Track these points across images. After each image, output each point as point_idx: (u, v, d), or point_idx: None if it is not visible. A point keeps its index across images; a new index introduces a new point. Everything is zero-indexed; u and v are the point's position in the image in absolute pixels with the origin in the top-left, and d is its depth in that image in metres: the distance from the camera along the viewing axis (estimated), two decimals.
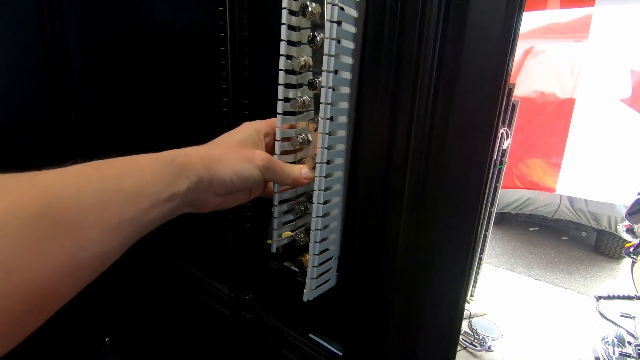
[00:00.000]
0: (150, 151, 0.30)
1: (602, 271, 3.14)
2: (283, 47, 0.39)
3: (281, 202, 0.44)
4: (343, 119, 0.42)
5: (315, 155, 0.40)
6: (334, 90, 0.38)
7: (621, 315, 1.90)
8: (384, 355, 0.50)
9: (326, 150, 0.39)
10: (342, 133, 0.42)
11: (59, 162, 0.25)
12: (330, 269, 0.48)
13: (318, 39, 0.38)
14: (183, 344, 0.95)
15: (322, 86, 0.37)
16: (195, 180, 0.31)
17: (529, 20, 2.87)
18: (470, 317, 2.24)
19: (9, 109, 0.95)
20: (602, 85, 2.57)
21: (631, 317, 1.88)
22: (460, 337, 2.08)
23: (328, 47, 0.36)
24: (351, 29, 0.39)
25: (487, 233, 2.27)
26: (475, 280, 2.38)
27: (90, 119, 1.01)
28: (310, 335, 0.60)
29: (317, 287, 0.45)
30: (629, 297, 1.89)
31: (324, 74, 0.37)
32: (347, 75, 0.40)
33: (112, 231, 0.24)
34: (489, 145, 0.36)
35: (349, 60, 0.40)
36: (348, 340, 0.56)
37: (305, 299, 0.44)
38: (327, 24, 0.35)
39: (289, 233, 0.47)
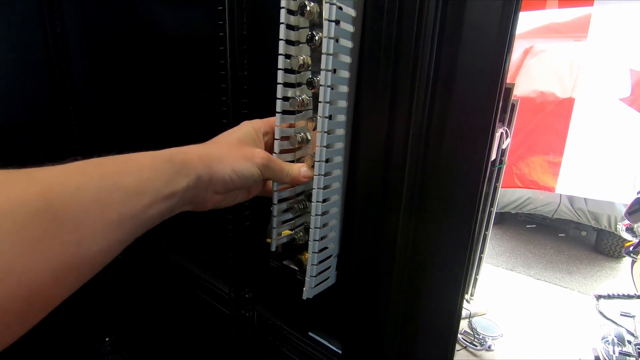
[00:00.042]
0: (151, 150, 0.30)
1: (602, 270, 3.14)
2: (282, 47, 0.39)
3: (280, 200, 0.44)
4: (342, 117, 0.42)
5: (314, 153, 0.40)
6: (332, 89, 0.38)
7: (621, 315, 1.90)
8: (383, 353, 0.51)
9: (325, 148, 0.39)
10: (340, 132, 0.43)
11: (59, 162, 0.25)
12: (329, 267, 0.48)
13: (316, 38, 0.38)
14: (183, 343, 0.95)
15: (320, 85, 0.37)
16: (194, 178, 0.31)
17: (529, 20, 2.87)
18: (470, 316, 2.24)
19: (9, 109, 0.95)
20: (602, 85, 2.57)
21: (631, 316, 1.88)
22: (461, 336, 2.09)
23: (326, 46, 0.36)
24: (349, 28, 0.39)
25: (487, 232, 2.27)
26: (475, 279, 2.38)
27: (90, 118, 1.01)
28: (310, 333, 0.61)
29: (316, 285, 0.45)
30: (629, 296, 1.89)
31: (323, 72, 0.37)
32: (345, 74, 0.40)
33: (112, 227, 0.24)
34: (486, 144, 0.36)
35: (347, 59, 0.40)
36: (347, 338, 0.56)
37: (304, 296, 0.44)
38: (325, 23, 0.35)
39: (288, 232, 0.47)
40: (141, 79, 0.82)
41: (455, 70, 0.36)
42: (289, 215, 0.46)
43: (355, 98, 0.44)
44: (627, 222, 1.90)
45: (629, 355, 1.71)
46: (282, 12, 0.38)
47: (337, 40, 0.37)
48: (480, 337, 2.08)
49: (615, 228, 2.99)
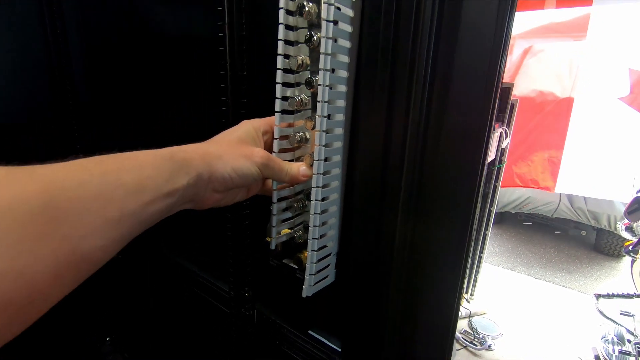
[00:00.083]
0: (151, 149, 0.31)
1: (602, 270, 3.15)
2: (280, 47, 0.39)
3: (280, 199, 0.44)
4: (340, 116, 0.42)
5: (313, 152, 0.40)
6: (330, 88, 0.38)
7: (621, 314, 1.90)
8: (383, 351, 0.51)
9: (324, 147, 0.40)
10: (339, 131, 0.43)
11: (60, 161, 0.25)
12: (328, 265, 0.48)
13: (315, 38, 0.39)
14: (184, 342, 0.96)
15: (319, 85, 0.38)
16: (194, 176, 0.31)
17: (528, 20, 2.88)
18: (470, 316, 2.24)
19: (10, 109, 0.95)
20: (601, 84, 2.58)
21: (631, 315, 1.88)
22: (461, 335, 2.09)
23: (325, 46, 0.36)
24: (347, 28, 0.39)
25: (486, 232, 2.27)
26: (475, 279, 2.38)
27: (91, 118, 1.01)
28: (310, 331, 0.61)
29: (316, 283, 0.46)
30: (629, 296, 1.89)
31: (321, 72, 0.37)
32: (343, 73, 0.41)
33: (113, 224, 0.24)
34: (482, 144, 0.36)
35: (345, 59, 0.40)
36: (347, 336, 0.56)
37: (304, 294, 0.45)
38: (323, 24, 0.36)
39: (287, 230, 0.48)
40: (141, 79, 0.83)
41: (452, 70, 0.37)
42: (289, 214, 0.47)
43: (353, 98, 0.44)
44: (626, 221, 1.90)
45: (629, 354, 1.71)
46: (281, 12, 0.38)
47: (335, 41, 0.37)
48: (480, 336, 2.08)
49: (615, 227, 3.00)
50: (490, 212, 2.21)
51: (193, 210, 0.36)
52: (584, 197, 3.10)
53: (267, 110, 0.43)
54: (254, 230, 0.66)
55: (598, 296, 1.98)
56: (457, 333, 2.11)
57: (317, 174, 0.40)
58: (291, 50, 0.41)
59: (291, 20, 0.40)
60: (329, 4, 0.35)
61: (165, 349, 1.06)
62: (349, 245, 0.50)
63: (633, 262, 2.00)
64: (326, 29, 0.36)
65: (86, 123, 1.02)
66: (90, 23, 0.93)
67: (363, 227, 0.48)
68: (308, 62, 0.41)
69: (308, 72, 0.42)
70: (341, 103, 0.42)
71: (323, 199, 0.42)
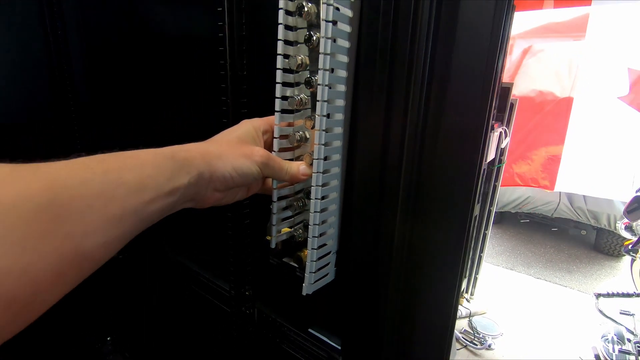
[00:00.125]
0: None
1: (602, 269, 3.15)
2: (280, 47, 0.40)
3: (280, 198, 0.44)
4: (339, 116, 0.43)
5: (312, 152, 0.41)
6: (330, 88, 0.39)
7: (620, 313, 1.90)
8: (382, 349, 0.51)
9: (323, 146, 0.40)
10: (338, 130, 0.43)
11: (62, 159, 0.25)
12: (328, 263, 0.48)
13: (314, 38, 0.39)
14: (184, 341, 0.96)
15: (318, 84, 0.38)
16: (195, 175, 0.32)
17: (527, 20, 2.88)
18: (470, 315, 2.24)
19: (10, 109, 0.96)
20: (600, 84, 2.58)
21: (631, 315, 1.88)
22: (461, 335, 2.09)
23: (324, 46, 0.37)
24: (346, 28, 0.39)
25: (486, 232, 2.28)
26: (475, 279, 2.38)
27: (91, 118, 1.02)
28: (310, 330, 0.61)
29: (315, 281, 0.46)
30: (629, 295, 1.89)
31: (321, 72, 0.38)
32: (342, 73, 0.41)
33: (115, 222, 0.24)
34: (480, 143, 0.37)
35: (344, 58, 0.41)
36: (347, 334, 0.57)
37: (304, 292, 0.45)
38: (323, 24, 0.36)
39: (287, 229, 0.48)
40: (142, 79, 0.83)
41: (449, 70, 0.37)
42: (289, 213, 0.47)
43: (352, 97, 0.44)
44: (626, 220, 1.90)
45: (629, 353, 1.71)
46: (281, 13, 0.39)
47: (334, 40, 0.38)
48: (481, 336, 2.09)
49: (615, 227, 3.00)
50: (490, 211, 2.21)
51: (193, 209, 0.36)
52: (584, 197, 3.10)
53: (267, 109, 0.44)
54: (254, 229, 0.66)
55: (598, 295, 1.99)
56: (457, 332, 2.11)
57: (317, 172, 0.40)
58: (291, 50, 0.41)
59: (291, 21, 0.40)
60: (328, 5, 0.35)
61: (166, 348, 1.06)
62: (348, 244, 0.51)
63: (633, 261, 2.01)
64: (325, 29, 0.36)
65: (86, 123, 1.02)
66: (91, 23, 0.93)
67: (362, 226, 0.48)
68: (307, 62, 0.42)
69: (307, 72, 0.42)
70: (340, 102, 0.42)
71: (323, 198, 0.42)
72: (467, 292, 2.40)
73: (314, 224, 0.42)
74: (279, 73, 0.41)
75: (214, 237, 0.77)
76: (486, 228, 2.26)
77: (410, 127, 0.40)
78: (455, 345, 2.04)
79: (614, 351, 1.74)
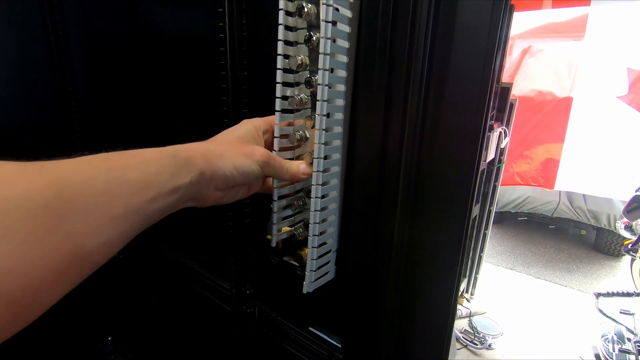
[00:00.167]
0: None
1: (602, 269, 3.15)
2: (280, 47, 0.40)
3: (280, 197, 0.45)
4: (339, 115, 0.43)
5: (312, 151, 0.41)
6: (330, 87, 0.39)
7: (621, 312, 1.90)
8: (382, 346, 0.52)
9: (323, 145, 0.40)
10: (338, 129, 0.44)
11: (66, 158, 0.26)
12: (328, 261, 0.49)
13: (314, 38, 0.40)
14: (185, 340, 0.96)
15: (318, 84, 0.38)
16: (197, 174, 0.32)
17: (526, 20, 2.89)
18: (470, 315, 2.25)
19: (12, 111, 0.96)
20: (600, 83, 2.59)
21: (631, 314, 1.88)
22: (461, 335, 2.09)
23: (324, 46, 0.37)
24: (346, 28, 0.40)
25: (486, 231, 2.28)
26: (476, 279, 2.39)
27: (92, 119, 1.02)
28: (310, 328, 0.62)
29: (316, 280, 0.46)
30: (628, 294, 1.89)
31: (320, 72, 0.38)
32: (342, 73, 0.41)
33: (118, 219, 0.25)
34: (477, 143, 0.37)
35: (344, 58, 0.41)
36: (347, 333, 0.57)
37: (305, 290, 0.45)
38: (322, 24, 0.37)
39: (287, 228, 0.48)
40: (143, 80, 0.83)
41: (447, 70, 0.37)
42: (289, 212, 0.47)
43: (352, 97, 0.45)
44: (625, 220, 1.90)
45: (629, 352, 1.71)
46: (281, 13, 0.39)
47: (334, 41, 0.38)
48: (481, 335, 2.09)
49: (615, 226, 3.00)
50: (490, 211, 2.22)
51: (195, 209, 0.36)
52: (584, 196, 3.11)
53: (267, 109, 0.44)
54: (254, 228, 0.66)
55: (598, 295, 1.99)
56: (457, 332, 2.11)
57: (317, 171, 0.41)
58: (291, 50, 0.42)
59: (291, 21, 0.41)
60: (328, 5, 0.36)
61: (167, 348, 1.06)
62: (348, 242, 0.51)
63: (633, 260, 2.01)
64: (325, 29, 0.36)
65: (88, 123, 1.03)
66: (92, 24, 0.94)
67: (362, 225, 0.49)
68: (307, 62, 0.42)
69: (307, 72, 0.43)
70: (340, 102, 0.43)
71: (323, 197, 0.43)
72: (467, 292, 2.40)
73: (314, 223, 0.43)
74: (279, 73, 0.41)
75: (215, 237, 0.77)
76: (486, 228, 2.27)
77: (409, 126, 0.40)
78: (455, 345, 2.04)
79: (614, 350, 1.74)
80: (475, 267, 2.34)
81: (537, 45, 2.89)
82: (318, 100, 0.39)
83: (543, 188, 2.90)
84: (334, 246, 0.50)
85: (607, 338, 1.83)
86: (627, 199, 1.82)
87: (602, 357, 1.78)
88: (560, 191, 3.17)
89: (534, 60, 2.87)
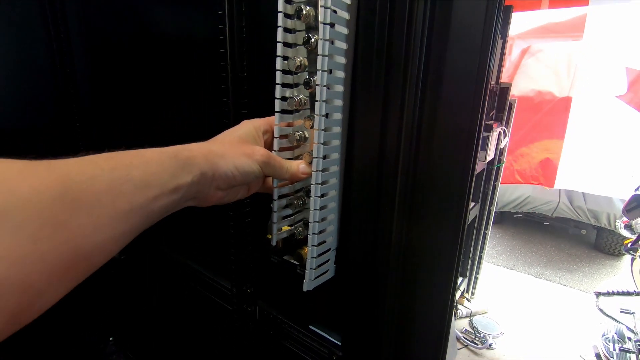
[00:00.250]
0: None
1: (603, 268, 3.15)
2: (279, 49, 0.41)
3: (280, 196, 0.45)
4: (338, 115, 0.44)
5: (312, 151, 0.42)
6: (328, 88, 0.40)
7: (621, 312, 1.90)
8: (382, 344, 0.52)
9: (322, 145, 0.41)
10: (337, 129, 0.44)
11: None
12: (328, 260, 0.49)
13: (312, 40, 0.40)
14: (187, 339, 0.97)
15: (317, 85, 0.39)
16: (198, 174, 0.33)
17: (526, 20, 2.90)
18: (471, 315, 2.25)
19: (13, 111, 0.97)
20: (599, 83, 2.60)
21: (631, 313, 1.88)
22: (462, 335, 2.09)
23: (322, 48, 0.38)
24: (343, 30, 0.41)
25: (486, 231, 2.28)
26: (476, 279, 2.39)
27: (93, 120, 1.03)
28: (311, 326, 0.62)
29: (316, 278, 0.47)
30: (629, 293, 1.89)
31: (319, 73, 0.39)
32: (340, 74, 0.42)
33: (122, 217, 0.26)
34: (473, 142, 0.38)
35: (342, 60, 0.42)
36: (347, 330, 0.57)
37: (305, 289, 0.46)
38: (320, 26, 0.37)
39: (287, 227, 0.49)
40: (144, 80, 0.84)
41: (443, 70, 0.38)
42: (289, 211, 0.48)
43: (350, 97, 0.45)
44: (625, 219, 1.90)
45: (629, 351, 1.71)
46: (280, 16, 0.40)
47: (332, 42, 0.39)
48: (481, 335, 2.09)
49: (615, 226, 3.00)
50: (490, 211, 2.22)
51: (195, 209, 0.37)
52: (584, 196, 3.11)
53: (267, 110, 0.45)
54: (255, 228, 0.67)
55: (598, 294, 1.99)
56: (458, 332, 2.12)
57: (316, 170, 0.41)
58: (290, 52, 0.42)
59: (289, 24, 0.41)
60: (326, 7, 0.37)
61: (168, 347, 1.07)
62: (347, 241, 0.52)
63: (633, 260, 2.01)
64: (323, 31, 0.37)
65: (88, 124, 1.03)
66: (93, 25, 0.94)
67: (361, 223, 0.49)
68: (306, 63, 0.43)
69: (306, 73, 0.43)
70: (339, 102, 0.44)
71: (322, 196, 0.43)
72: (467, 291, 2.40)
73: (314, 221, 0.43)
74: (278, 74, 0.42)
75: (216, 236, 0.78)
76: (486, 228, 2.27)
77: (406, 125, 0.41)
78: (456, 345, 2.04)
79: (614, 350, 1.74)
80: (476, 267, 2.34)
81: (537, 45, 2.89)
82: (317, 101, 0.40)
83: (543, 186, 2.91)
84: (333, 245, 0.50)
85: (608, 337, 1.83)
86: (626, 197, 1.82)
87: (602, 357, 1.78)
88: (560, 191, 3.17)
89: (533, 60, 2.88)
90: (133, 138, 0.93)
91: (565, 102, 2.70)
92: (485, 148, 1.82)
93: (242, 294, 0.71)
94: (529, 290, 2.72)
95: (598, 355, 1.82)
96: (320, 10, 0.37)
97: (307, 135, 0.45)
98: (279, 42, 0.40)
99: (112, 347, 1.26)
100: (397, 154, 0.43)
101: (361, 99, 0.44)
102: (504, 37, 1.80)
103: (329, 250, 0.49)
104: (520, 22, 2.91)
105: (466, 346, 2.06)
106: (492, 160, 2.08)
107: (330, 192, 0.47)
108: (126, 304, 1.19)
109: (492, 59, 0.35)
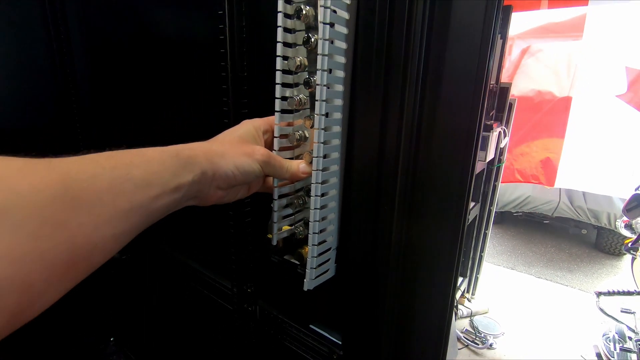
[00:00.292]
0: None
1: (603, 268, 3.15)
2: (279, 49, 0.41)
3: (280, 196, 0.46)
4: (337, 115, 0.44)
5: (312, 150, 0.42)
6: (328, 88, 0.40)
7: (621, 311, 1.90)
8: (382, 343, 0.52)
9: (322, 144, 0.41)
10: (337, 129, 0.44)
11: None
12: (329, 259, 0.49)
13: (312, 40, 0.40)
14: (187, 339, 0.97)
15: (317, 84, 0.39)
16: (199, 173, 0.33)
17: (526, 21, 2.90)
18: (471, 315, 2.25)
19: (13, 111, 0.97)
20: (599, 83, 2.60)
21: (631, 313, 1.88)
22: (462, 335, 2.09)
23: (322, 48, 0.38)
24: (343, 30, 0.41)
25: (487, 231, 2.28)
26: (476, 278, 2.39)
27: (93, 120, 1.03)
28: (311, 325, 0.62)
29: (316, 277, 0.47)
30: (629, 293, 1.89)
31: (319, 72, 0.39)
32: (340, 73, 0.42)
33: (123, 216, 0.26)
34: (472, 141, 0.38)
35: (341, 59, 0.42)
36: (347, 330, 0.58)
37: (305, 288, 0.46)
38: (320, 26, 0.37)
39: (288, 227, 0.49)
40: (144, 80, 0.84)
41: (442, 70, 0.38)
42: (289, 211, 0.48)
43: (350, 97, 0.46)
44: (625, 218, 1.90)
45: (630, 351, 1.71)
46: (279, 16, 0.40)
47: (332, 42, 0.39)
48: (482, 335, 2.09)
49: (615, 225, 3.00)
50: (490, 211, 2.22)
51: (195, 209, 0.37)
52: (584, 196, 3.11)
53: (267, 110, 0.45)
54: (255, 228, 0.67)
55: (599, 294, 1.99)
56: (458, 332, 2.12)
57: (317, 170, 0.42)
58: (290, 52, 0.42)
59: (289, 24, 0.41)
60: (326, 7, 0.37)
61: (169, 347, 1.07)
62: (348, 241, 0.52)
63: (633, 259, 2.01)
64: (323, 31, 0.37)
65: (89, 124, 1.04)
66: (93, 25, 0.95)
67: (361, 223, 0.50)
68: (306, 63, 0.43)
69: (306, 73, 0.43)
70: (338, 102, 0.44)
71: (322, 195, 0.44)
72: (468, 291, 2.40)
73: (314, 221, 0.44)
74: (278, 74, 0.42)
75: (216, 236, 0.78)
76: (486, 228, 2.27)
77: (406, 125, 0.41)
78: (456, 345, 2.04)
79: (615, 349, 1.74)
80: (476, 267, 2.34)
81: (536, 45, 2.90)
82: (317, 100, 0.40)
83: (543, 186, 2.91)
84: (333, 244, 0.50)
85: (609, 337, 1.83)
86: (627, 196, 1.82)
87: (603, 356, 1.78)
88: (560, 190, 3.17)
89: (533, 60, 2.88)
90: (133, 138, 0.93)
91: (565, 101, 2.70)
92: (485, 148, 1.82)
93: (242, 294, 0.71)
94: (529, 290, 2.72)
95: (599, 355, 1.82)
96: (320, 10, 0.37)
97: (307, 135, 0.45)
98: (279, 42, 0.41)
99: (113, 347, 1.26)
100: (396, 154, 0.43)
101: (361, 98, 0.45)
102: (504, 37, 1.80)
103: (329, 249, 0.49)
104: (520, 22, 2.91)
105: (467, 346, 2.06)
106: (492, 160, 2.08)
107: (331, 192, 0.47)
108: (126, 304, 1.19)
109: (491, 59, 0.35)
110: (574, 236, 3.72)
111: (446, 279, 0.46)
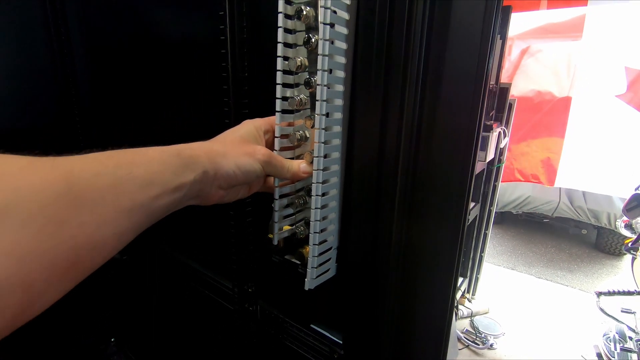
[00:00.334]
0: None
1: (603, 268, 3.15)
2: (280, 49, 0.41)
3: (281, 196, 0.46)
4: (338, 115, 0.44)
5: (312, 150, 0.42)
6: (328, 88, 0.40)
7: (622, 311, 1.90)
8: (382, 342, 0.52)
9: (323, 144, 0.41)
10: (337, 129, 0.45)
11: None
12: (329, 259, 0.50)
13: (313, 40, 0.41)
14: (188, 339, 0.97)
15: (317, 84, 0.39)
16: (200, 173, 0.33)
17: (525, 21, 2.90)
18: (472, 315, 2.25)
19: (13, 111, 0.97)
20: (598, 83, 2.60)
21: (632, 313, 1.88)
22: (463, 335, 2.09)
23: (322, 48, 0.38)
24: (343, 30, 0.41)
25: (487, 231, 2.28)
26: (477, 279, 2.39)
27: (94, 120, 1.03)
28: (312, 325, 0.62)
29: (317, 277, 0.47)
30: (630, 293, 1.89)
31: (319, 73, 0.39)
32: (340, 74, 0.42)
33: (125, 214, 0.26)
34: (472, 141, 0.38)
35: (342, 59, 0.42)
36: (348, 329, 0.58)
37: (306, 287, 0.46)
38: (321, 26, 0.38)
39: (288, 227, 0.49)
40: (145, 81, 0.84)
41: (442, 70, 0.38)
42: (290, 211, 0.48)
43: (350, 97, 0.46)
44: (625, 218, 1.90)
45: (630, 351, 1.71)
46: (280, 16, 0.40)
47: (332, 42, 0.39)
48: (482, 335, 2.09)
49: (615, 225, 3.00)
50: (490, 211, 2.22)
51: (196, 209, 0.37)
52: (584, 196, 3.11)
53: (267, 110, 0.45)
54: (256, 227, 0.67)
55: (599, 294, 1.99)
56: (459, 333, 2.12)
57: (317, 170, 0.42)
58: (290, 52, 0.43)
59: (290, 24, 0.41)
60: (326, 8, 0.37)
61: (170, 347, 1.07)
62: (348, 240, 0.52)
63: (633, 259, 2.01)
64: (323, 31, 0.37)
65: (89, 124, 1.04)
66: (93, 25, 0.95)
67: (362, 223, 0.50)
68: (306, 63, 0.43)
69: (307, 73, 0.44)
70: (339, 102, 0.44)
71: (323, 194, 0.44)
72: (468, 292, 2.40)
73: (315, 220, 0.44)
74: (279, 74, 0.42)
75: (217, 236, 0.78)
76: (487, 228, 2.27)
77: (406, 125, 0.41)
78: (457, 345, 2.04)
79: (615, 349, 1.73)
80: (476, 267, 2.34)
81: (536, 45, 2.90)
82: (317, 101, 0.40)
83: (543, 186, 2.92)
84: (334, 244, 0.51)
85: (609, 337, 1.83)
86: (627, 196, 1.82)
87: (604, 356, 1.78)
88: (560, 191, 3.17)
89: (532, 60, 2.89)
90: (134, 138, 0.93)
91: (565, 102, 2.70)
92: (485, 148, 1.82)
93: (243, 294, 0.71)
94: (529, 290, 2.72)
95: (599, 355, 1.82)
96: (320, 11, 0.37)
97: (307, 135, 0.45)
98: (280, 42, 0.41)
99: (113, 347, 1.26)
100: (396, 154, 0.43)
101: (361, 98, 0.45)
102: (503, 38, 1.80)
103: (330, 249, 0.49)
104: (519, 22, 2.91)
105: (467, 346, 2.06)
106: (492, 160, 2.08)
107: (331, 191, 0.47)
108: (127, 304, 1.19)
109: (491, 59, 0.35)
110: (574, 236, 3.72)
111: (446, 279, 0.46)
